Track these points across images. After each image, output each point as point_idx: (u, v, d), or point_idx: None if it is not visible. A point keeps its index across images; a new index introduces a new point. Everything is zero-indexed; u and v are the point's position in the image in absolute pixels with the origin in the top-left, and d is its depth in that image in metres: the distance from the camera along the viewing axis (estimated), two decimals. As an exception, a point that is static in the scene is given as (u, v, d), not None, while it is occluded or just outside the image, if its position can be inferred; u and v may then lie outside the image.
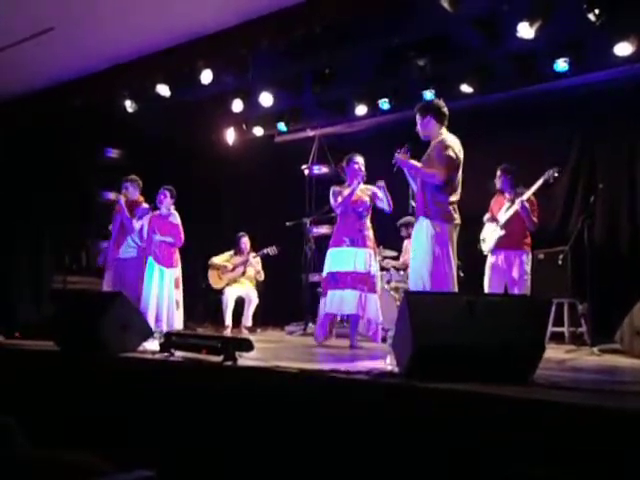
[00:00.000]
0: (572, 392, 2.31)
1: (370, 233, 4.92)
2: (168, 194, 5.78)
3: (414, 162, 4.06)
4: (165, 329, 5.37)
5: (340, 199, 4.91)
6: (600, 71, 5.72)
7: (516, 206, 5.13)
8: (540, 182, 5.20)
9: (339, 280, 4.75)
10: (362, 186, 4.96)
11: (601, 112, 6.16)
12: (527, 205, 5.10)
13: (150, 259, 5.65)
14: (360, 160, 5.01)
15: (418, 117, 4.13)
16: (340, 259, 4.81)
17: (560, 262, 5.35)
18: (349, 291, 4.71)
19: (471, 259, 5.61)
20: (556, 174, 5.24)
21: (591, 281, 5.02)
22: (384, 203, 4.87)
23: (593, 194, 5.32)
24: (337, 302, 4.74)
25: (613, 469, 1.81)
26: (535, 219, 5.15)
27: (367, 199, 4.94)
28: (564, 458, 1.89)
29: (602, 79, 5.80)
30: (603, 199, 5.88)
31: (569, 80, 5.83)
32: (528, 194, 5.15)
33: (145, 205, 5.84)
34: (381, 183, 4.86)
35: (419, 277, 3.87)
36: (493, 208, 5.42)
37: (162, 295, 5.63)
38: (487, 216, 5.42)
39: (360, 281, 4.71)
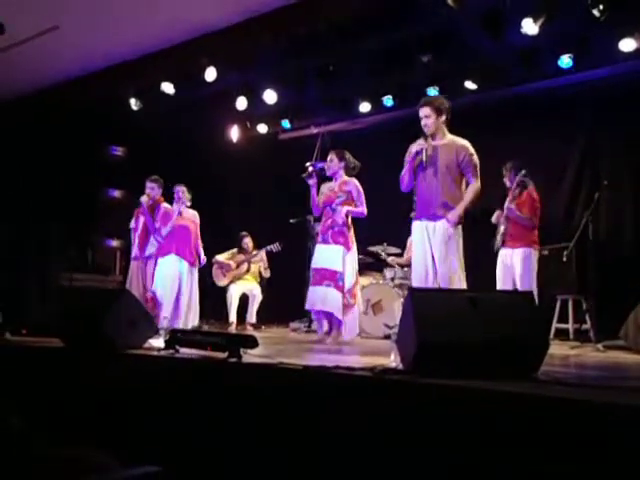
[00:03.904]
0: (576, 388, 2.31)
1: (344, 229, 4.90)
2: (185, 190, 5.76)
3: (461, 206, 3.98)
4: (184, 326, 5.39)
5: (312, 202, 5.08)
6: (605, 67, 5.70)
7: (507, 205, 5.23)
8: (515, 187, 5.26)
9: (314, 276, 4.89)
10: (344, 178, 5.01)
11: (606, 108, 6.14)
12: (513, 206, 5.18)
13: (175, 256, 5.58)
14: (330, 157, 5.09)
15: (432, 113, 4.05)
16: (316, 256, 4.96)
17: (564, 258, 5.35)
18: (318, 287, 4.82)
19: (480, 256, 5.63)
20: (524, 177, 5.24)
21: (595, 277, 5.02)
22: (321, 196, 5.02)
23: (598, 190, 5.31)
24: (311, 298, 4.87)
25: (617, 466, 1.82)
26: (528, 216, 5.18)
27: (340, 195, 4.94)
28: (567, 455, 1.90)
29: (607, 75, 5.78)
30: (608, 195, 5.87)
31: (573, 76, 5.81)
32: (511, 196, 5.24)
33: (165, 205, 5.85)
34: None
35: (453, 274, 3.92)
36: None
37: (192, 292, 5.65)
38: (495, 215, 5.44)
39: (326, 277, 4.80)
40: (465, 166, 4.01)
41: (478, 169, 4.04)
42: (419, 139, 4.09)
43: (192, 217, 5.81)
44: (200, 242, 5.85)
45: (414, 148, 4.08)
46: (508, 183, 5.38)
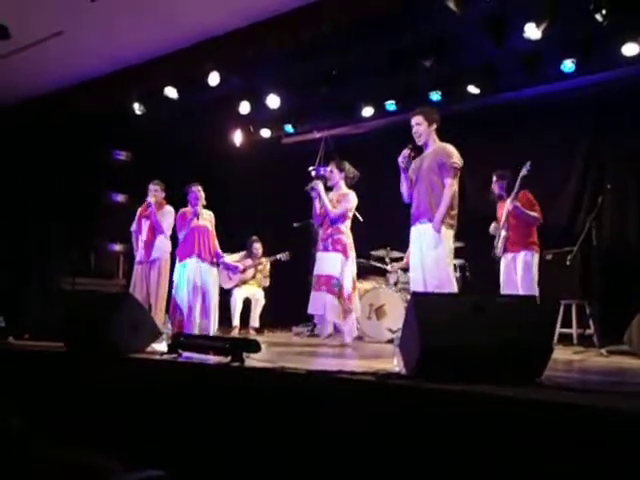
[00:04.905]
0: (580, 394, 2.30)
1: (343, 238, 5.06)
2: (202, 190, 5.65)
3: (441, 210, 4.03)
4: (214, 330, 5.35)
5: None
6: (607, 71, 5.71)
7: (508, 206, 5.20)
8: (519, 180, 5.20)
9: (316, 282, 5.08)
10: (343, 191, 5.17)
11: (609, 112, 6.14)
12: (518, 204, 5.14)
13: (196, 259, 5.47)
14: (330, 168, 5.28)
15: (423, 121, 4.19)
16: (318, 263, 5.15)
17: (568, 263, 5.33)
18: (318, 292, 5.01)
19: (482, 263, 5.62)
20: (529, 167, 5.17)
21: (599, 282, 5.00)
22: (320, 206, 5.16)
23: (601, 195, 5.29)
24: (312, 303, 5.06)
25: (620, 471, 1.81)
26: (535, 214, 5.16)
27: (337, 206, 5.11)
28: (570, 459, 1.89)
29: (609, 79, 5.79)
30: (611, 200, 5.86)
31: (576, 80, 5.82)
32: (514, 194, 5.18)
33: (169, 207, 5.84)
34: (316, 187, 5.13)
35: (444, 278, 3.97)
36: (499, 215, 5.44)
37: (215, 294, 5.60)
38: (492, 226, 5.42)
39: (324, 283, 4.99)
40: (441, 166, 4.11)
41: (456, 170, 4.10)
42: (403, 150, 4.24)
43: (209, 217, 5.71)
44: (217, 243, 5.73)
45: (399, 160, 4.24)
46: (497, 191, 5.39)
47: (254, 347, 3.20)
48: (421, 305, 2.68)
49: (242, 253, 7.31)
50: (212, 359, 3.24)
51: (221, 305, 7.20)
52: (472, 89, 6.09)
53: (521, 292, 5.01)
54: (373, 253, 6.69)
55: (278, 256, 7.12)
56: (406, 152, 4.21)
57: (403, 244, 6.62)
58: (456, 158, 4.11)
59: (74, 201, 7.17)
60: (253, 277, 7.18)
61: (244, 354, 3.12)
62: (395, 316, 5.84)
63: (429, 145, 4.24)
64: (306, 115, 7.27)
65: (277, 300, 7.29)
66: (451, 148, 4.17)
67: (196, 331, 5.20)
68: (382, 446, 2.29)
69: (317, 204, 5.19)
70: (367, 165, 5.73)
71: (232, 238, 7.56)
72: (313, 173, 6.05)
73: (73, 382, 3.53)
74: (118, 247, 7.67)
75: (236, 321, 6.85)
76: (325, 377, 2.72)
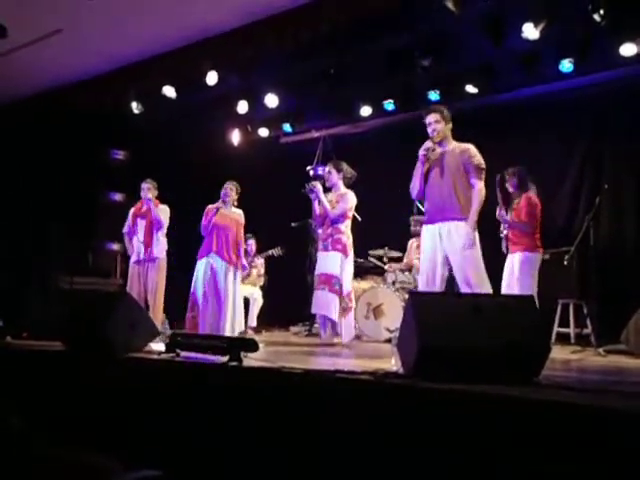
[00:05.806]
0: (579, 393, 2.31)
1: (342, 237, 5.09)
2: (234, 189, 5.63)
3: (475, 210, 4.04)
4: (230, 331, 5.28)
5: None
6: (605, 72, 5.72)
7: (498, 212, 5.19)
8: (499, 190, 5.21)
9: (316, 282, 5.15)
10: (341, 190, 5.19)
11: (607, 112, 6.15)
12: (504, 212, 5.12)
13: (213, 256, 5.39)
14: (327, 169, 5.30)
15: (441, 119, 4.12)
16: (319, 262, 5.21)
17: (566, 262, 5.34)
18: (317, 291, 5.08)
19: (486, 262, 5.64)
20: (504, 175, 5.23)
21: (596, 281, 5.02)
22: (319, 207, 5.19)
23: (599, 194, 5.30)
24: (314, 302, 5.13)
25: (619, 470, 1.81)
26: (524, 221, 5.10)
27: (336, 206, 5.14)
28: (569, 459, 1.90)
29: (607, 79, 5.80)
30: (609, 199, 5.87)
31: (574, 80, 5.83)
32: (500, 204, 5.15)
33: (163, 205, 5.83)
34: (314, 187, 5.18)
35: (484, 277, 3.97)
36: None
37: (236, 294, 5.49)
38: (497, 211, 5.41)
39: (325, 282, 5.04)
40: (467, 167, 4.07)
41: (482, 171, 4.06)
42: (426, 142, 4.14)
43: (236, 216, 5.61)
44: (242, 243, 5.64)
45: (422, 151, 4.12)
46: (510, 189, 5.36)
47: (252, 346, 3.20)
48: (419, 305, 2.68)
49: None
50: (210, 358, 3.24)
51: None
52: (470, 89, 6.10)
53: (517, 292, 5.01)
54: (371, 253, 6.70)
55: (270, 252, 7.13)
56: (430, 144, 4.09)
57: (401, 243, 6.66)
58: (481, 159, 4.08)
59: (72, 200, 7.16)
60: (248, 275, 7.18)
61: (242, 353, 3.12)
62: (393, 315, 5.85)
63: (445, 142, 4.15)
64: (304, 114, 7.26)
65: (275, 299, 7.29)
66: (474, 148, 4.12)
67: (208, 330, 5.17)
68: (381, 445, 2.29)
69: (316, 205, 5.21)
70: (365, 164, 5.73)
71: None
72: (311, 172, 6.05)
73: (72, 381, 3.52)
74: (115, 246, 7.64)
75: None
76: (323, 376, 2.72)
